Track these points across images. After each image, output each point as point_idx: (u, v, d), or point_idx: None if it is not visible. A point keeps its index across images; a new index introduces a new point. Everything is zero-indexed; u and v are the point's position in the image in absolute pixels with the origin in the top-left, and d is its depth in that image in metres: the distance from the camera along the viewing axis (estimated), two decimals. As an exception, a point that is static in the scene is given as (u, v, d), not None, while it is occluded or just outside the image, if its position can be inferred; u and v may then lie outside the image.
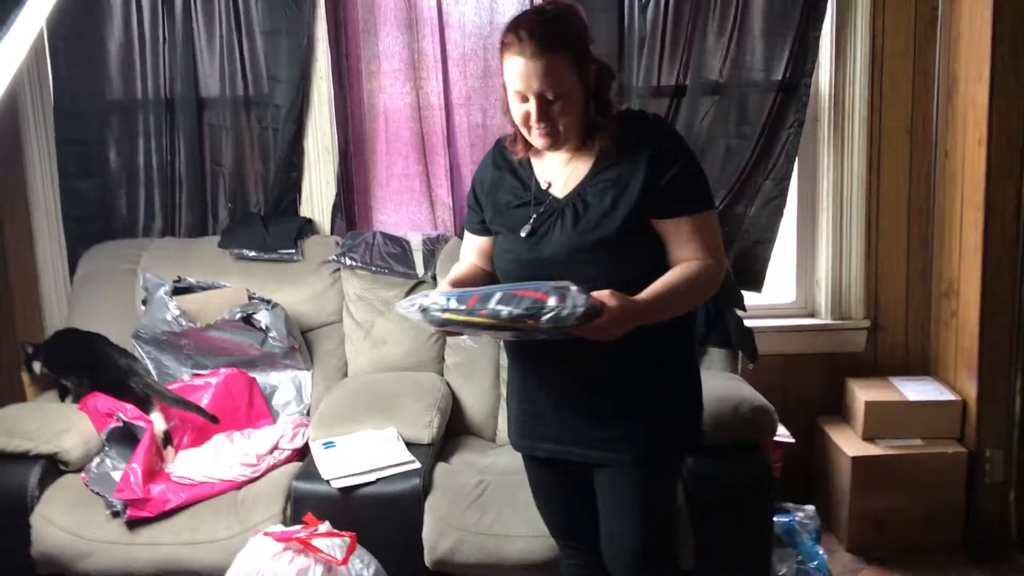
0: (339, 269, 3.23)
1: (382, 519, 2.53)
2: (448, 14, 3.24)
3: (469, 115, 3.31)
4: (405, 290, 3.15)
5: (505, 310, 1.71)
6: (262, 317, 3.01)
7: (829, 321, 3.41)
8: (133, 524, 2.56)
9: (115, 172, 3.38)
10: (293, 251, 3.24)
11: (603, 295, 1.72)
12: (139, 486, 2.57)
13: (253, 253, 3.23)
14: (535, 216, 1.93)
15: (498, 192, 2.02)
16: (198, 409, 2.87)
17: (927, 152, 3.31)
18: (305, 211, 3.41)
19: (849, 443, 3.16)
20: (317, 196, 3.40)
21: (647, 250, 1.89)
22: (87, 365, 2.97)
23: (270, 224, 3.30)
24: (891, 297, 3.40)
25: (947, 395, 3.18)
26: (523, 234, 1.93)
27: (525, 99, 1.84)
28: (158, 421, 2.81)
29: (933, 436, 3.15)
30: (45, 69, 3.36)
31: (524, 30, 1.81)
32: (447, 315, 1.78)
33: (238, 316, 2.99)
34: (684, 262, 1.87)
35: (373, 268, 3.17)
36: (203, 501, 2.63)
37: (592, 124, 1.89)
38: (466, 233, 2.14)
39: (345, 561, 2.32)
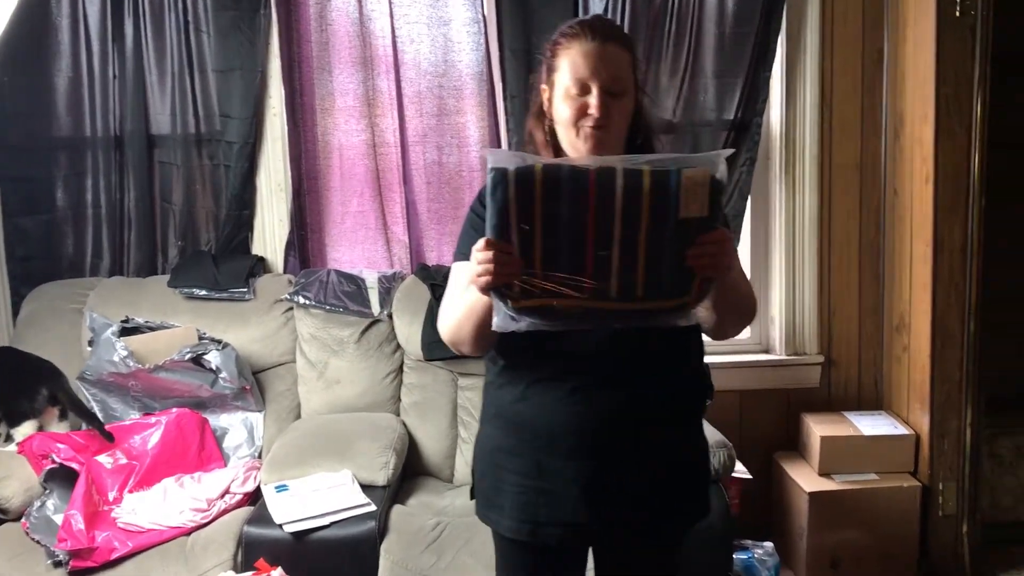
0: (292, 308, 3.18)
1: (337, 563, 2.48)
2: (403, 52, 3.25)
3: (425, 153, 3.31)
4: (360, 329, 3.11)
5: (643, 159, 1.48)
6: (212, 358, 2.95)
7: (784, 357, 3.43)
8: (77, 574, 2.46)
9: (62, 210, 3.31)
10: (245, 290, 3.18)
11: None
12: (82, 534, 2.48)
13: (204, 292, 3.18)
14: None
15: None
16: (100, 425, 2.85)
17: (876, 189, 3.37)
18: (257, 249, 3.36)
19: (806, 478, 3.17)
20: (270, 234, 3.36)
21: None
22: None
23: (221, 262, 3.25)
24: (844, 332, 3.44)
25: (900, 429, 3.22)
26: None
27: (584, 90, 1.69)
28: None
29: (888, 470, 3.18)
30: (-11, 104, 3.29)
31: (588, 27, 1.73)
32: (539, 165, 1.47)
33: (187, 357, 2.93)
34: None
35: (327, 307, 3.13)
36: (151, 548, 2.55)
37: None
38: (456, 264, 1.76)
39: (298, 608, 2.27)
